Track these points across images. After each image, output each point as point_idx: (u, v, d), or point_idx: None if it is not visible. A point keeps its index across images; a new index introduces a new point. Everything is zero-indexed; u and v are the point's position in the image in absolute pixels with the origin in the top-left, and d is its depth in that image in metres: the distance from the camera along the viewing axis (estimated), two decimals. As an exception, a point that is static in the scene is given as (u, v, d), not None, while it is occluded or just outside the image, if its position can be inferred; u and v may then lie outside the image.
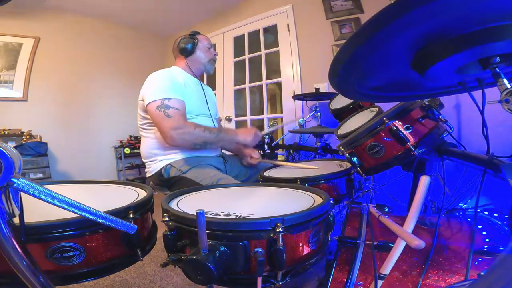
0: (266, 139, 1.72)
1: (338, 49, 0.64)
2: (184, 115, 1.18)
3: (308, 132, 2.11)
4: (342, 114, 1.58)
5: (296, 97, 2.34)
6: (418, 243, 0.45)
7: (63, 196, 0.38)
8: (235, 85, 3.28)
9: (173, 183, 1.22)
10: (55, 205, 0.37)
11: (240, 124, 3.33)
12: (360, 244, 0.65)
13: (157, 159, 1.26)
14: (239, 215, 0.55)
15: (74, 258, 0.49)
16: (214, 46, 2.98)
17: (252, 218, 0.53)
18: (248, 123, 3.21)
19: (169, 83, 1.21)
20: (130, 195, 0.70)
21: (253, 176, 1.42)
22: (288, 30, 2.83)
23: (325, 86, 2.52)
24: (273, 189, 0.82)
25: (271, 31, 3.06)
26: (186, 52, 1.34)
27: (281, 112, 2.97)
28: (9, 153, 0.35)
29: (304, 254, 0.53)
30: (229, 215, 0.55)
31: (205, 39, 1.40)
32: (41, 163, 2.86)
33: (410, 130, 0.81)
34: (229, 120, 3.29)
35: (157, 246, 0.69)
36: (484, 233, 0.66)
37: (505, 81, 0.46)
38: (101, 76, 3.59)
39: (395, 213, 0.88)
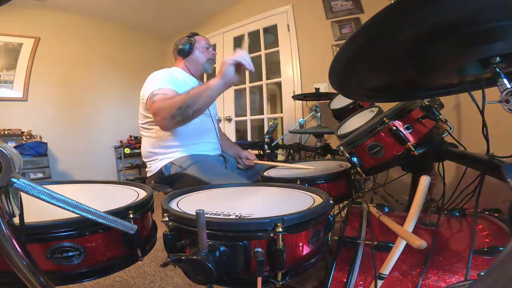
0: (266, 139, 1.72)
1: (338, 49, 0.64)
2: (167, 99, 1.08)
3: (308, 132, 2.11)
4: (342, 114, 1.58)
5: (296, 97, 2.34)
6: (420, 243, 0.45)
7: (63, 196, 0.38)
8: (235, 85, 3.28)
9: (174, 180, 1.22)
10: (55, 205, 0.37)
11: (240, 124, 3.33)
12: (360, 244, 0.65)
13: (158, 158, 1.26)
14: (239, 215, 0.55)
15: (74, 258, 0.49)
16: (214, 46, 2.98)
17: (252, 218, 0.53)
18: (248, 123, 3.21)
19: (166, 78, 1.21)
20: (130, 195, 0.70)
21: (252, 177, 1.42)
22: (288, 30, 2.83)
23: (325, 86, 2.52)
24: (273, 189, 0.82)
25: (271, 31, 3.06)
26: (184, 53, 1.35)
27: (281, 112, 2.97)
28: (9, 153, 0.34)
29: (304, 254, 0.53)
30: (229, 215, 0.55)
31: (202, 39, 1.41)
32: (41, 163, 2.87)
33: (410, 130, 0.81)
34: (229, 120, 3.28)
35: (157, 246, 0.68)
36: (484, 233, 0.66)
37: (505, 81, 0.46)
38: (101, 76, 3.59)
39: (395, 213, 0.88)
